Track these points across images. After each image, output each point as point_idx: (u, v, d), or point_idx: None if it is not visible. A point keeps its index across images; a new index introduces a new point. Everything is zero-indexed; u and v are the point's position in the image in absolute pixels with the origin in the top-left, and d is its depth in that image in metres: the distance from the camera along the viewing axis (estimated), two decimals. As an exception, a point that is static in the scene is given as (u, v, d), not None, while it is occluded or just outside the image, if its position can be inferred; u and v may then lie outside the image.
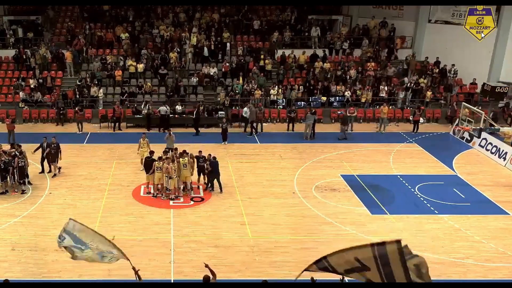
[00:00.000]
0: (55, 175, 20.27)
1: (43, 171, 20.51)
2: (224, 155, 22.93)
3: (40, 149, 20.43)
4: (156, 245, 15.06)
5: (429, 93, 29.14)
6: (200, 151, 19.08)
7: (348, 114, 26.97)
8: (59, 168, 20.52)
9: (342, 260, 8.15)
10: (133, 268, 10.20)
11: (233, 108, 28.31)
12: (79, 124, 26.17)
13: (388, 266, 7.59)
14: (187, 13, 35.07)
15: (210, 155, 18.96)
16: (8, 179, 18.48)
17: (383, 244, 7.43)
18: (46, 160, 20.37)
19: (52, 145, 20.10)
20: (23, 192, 18.58)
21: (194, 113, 26.43)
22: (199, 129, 26.29)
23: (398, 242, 7.35)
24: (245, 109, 26.29)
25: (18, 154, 18.57)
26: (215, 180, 18.81)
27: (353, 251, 7.83)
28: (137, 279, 10.30)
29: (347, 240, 15.58)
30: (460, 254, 14.86)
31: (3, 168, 18.09)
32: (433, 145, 24.72)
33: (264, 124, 27.20)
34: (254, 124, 26.20)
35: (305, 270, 9.21)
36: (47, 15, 34.56)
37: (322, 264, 8.59)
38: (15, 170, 18.38)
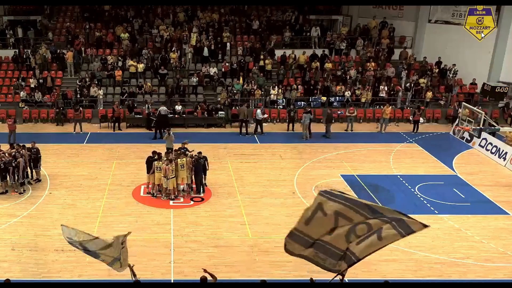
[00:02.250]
0: (39, 180, 19.72)
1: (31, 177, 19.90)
2: (224, 155, 22.96)
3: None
4: (156, 245, 15.06)
5: (429, 93, 29.15)
6: (199, 152, 19.06)
7: (348, 114, 27.01)
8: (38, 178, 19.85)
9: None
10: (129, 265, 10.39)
11: (233, 108, 28.30)
12: (76, 124, 26.12)
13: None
14: (187, 13, 35.09)
15: (198, 154, 18.82)
16: (8, 179, 18.46)
17: None
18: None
19: (32, 150, 19.46)
20: (23, 192, 18.58)
21: (156, 115, 25.77)
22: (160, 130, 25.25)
23: None
24: (258, 111, 26.18)
25: (19, 154, 18.55)
26: (200, 180, 18.73)
27: None
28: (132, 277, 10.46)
29: (347, 240, 15.60)
30: (460, 254, 14.86)
31: (3, 168, 18.09)
32: (433, 145, 24.72)
33: (264, 124, 27.19)
34: (245, 123, 26.16)
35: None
36: (42, 24, 34.43)
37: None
38: (15, 170, 18.30)
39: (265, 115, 26.74)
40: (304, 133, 25.47)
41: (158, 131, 25.32)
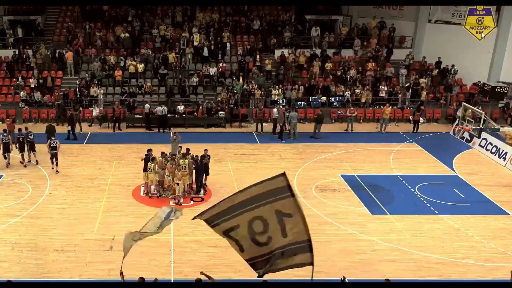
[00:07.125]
0: (30, 162, 21.36)
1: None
2: (224, 155, 22.95)
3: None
4: (156, 245, 15.04)
5: (423, 93, 29.15)
6: (205, 150, 19.07)
7: (349, 114, 27.00)
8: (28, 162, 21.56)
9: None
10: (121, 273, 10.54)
11: (236, 108, 28.27)
12: (76, 124, 26.06)
13: None
14: (187, 13, 35.07)
15: (204, 151, 18.87)
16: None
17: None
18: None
19: (28, 136, 21.26)
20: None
21: (68, 116, 25.51)
22: (75, 133, 25.18)
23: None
24: (275, 110, 26.30)
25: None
26: (200, 181, 18.74)
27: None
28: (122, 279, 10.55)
29: (347, 240, 15.61)
30: (460, 254, 14.86)
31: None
32: (433, 145, 24.72)
33: (264, 124, 27.17)
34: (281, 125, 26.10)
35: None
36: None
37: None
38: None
39: None
40: (292, 132, 25.63)
41: (72, 132, 25.06)
